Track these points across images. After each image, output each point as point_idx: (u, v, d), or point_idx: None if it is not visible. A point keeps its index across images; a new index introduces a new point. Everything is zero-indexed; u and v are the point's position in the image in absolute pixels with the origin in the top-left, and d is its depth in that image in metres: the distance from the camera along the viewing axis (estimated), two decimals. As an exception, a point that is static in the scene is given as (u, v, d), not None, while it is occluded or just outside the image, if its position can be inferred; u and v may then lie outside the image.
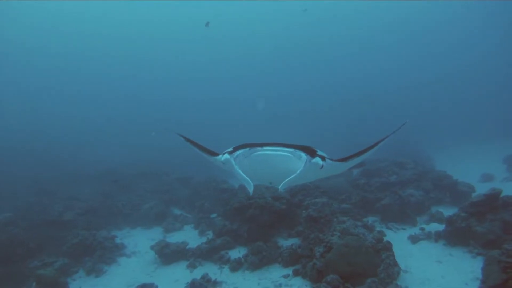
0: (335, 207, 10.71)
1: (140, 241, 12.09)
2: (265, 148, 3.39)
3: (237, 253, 9.89)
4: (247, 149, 3.44)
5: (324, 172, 4.06)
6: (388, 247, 7.96)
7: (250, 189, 3.59)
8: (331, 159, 3.91)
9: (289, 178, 3.39)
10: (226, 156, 3.60)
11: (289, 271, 8.49)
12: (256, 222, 10.50)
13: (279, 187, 3.50)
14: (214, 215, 13.30)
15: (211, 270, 9.01)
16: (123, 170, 20.90)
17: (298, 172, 3.37)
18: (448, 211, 10.78)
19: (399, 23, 52.72)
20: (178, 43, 57.11)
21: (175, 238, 11.80)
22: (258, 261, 8.95)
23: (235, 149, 3.59)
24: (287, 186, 3.75)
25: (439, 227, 10.09)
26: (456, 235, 9.00)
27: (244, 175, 3.45)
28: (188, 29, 50.88)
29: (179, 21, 51.36)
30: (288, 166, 3.41)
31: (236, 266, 9.05)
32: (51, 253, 10.34)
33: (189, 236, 11.93)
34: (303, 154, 3.40)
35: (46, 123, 42.26)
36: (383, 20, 52.42)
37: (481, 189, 10.68)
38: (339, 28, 54.14)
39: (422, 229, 10.25)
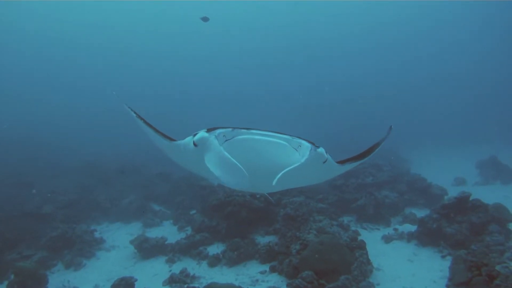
0: (312, 206, 10.95)
1: (119, 235, 12.13)
2: (253, 131, 2.52)
3: (215, 249, 10.01)
4: (229, 129, 2.53)
5: (323, 173, 3.29)
6: (362, 246, 8.27)
7: (244, 181, 2.63)
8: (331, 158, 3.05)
9: (288, 169, 2.53)
10: (203, 134, 2.61)
11: (266, 267, 8.68)
12: (235, 219, 10.66)
13: (273, 181, 2.56)
14: (193, 212, 13.40)
15: (190, 265, 9.14)
16: (104, 163, 20.73)
17: (302, 161, 2.56)
18: (421, 213, 11.17)
19: (391, 24, 53.18)
20: (182, 37, 56.43)
21: (154, 233, 11.85)
22: (236, 257, 9.12)
23: (211, 130, 2.62)
24: (277, 189, 3.13)
25: (411, 227, 10.41)
26: (427, 236, 9.36)
27: (234, 160, 2.48)
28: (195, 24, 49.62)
29: (185, 16, 50.26)
30: (281, 158, 2.57)
31: (214, 261, 9.20)
32: (30, 246, 10.34)
33: (168, 232, 12.00)
34: (304, 142, 2.60)
35: (28, 111, 41.34)
36: (377, 21, 52.57)
37: (454, 192, 11.08)
38: (332, 27, 54.09)
39: (396, 229, 10.60)
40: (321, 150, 2.65)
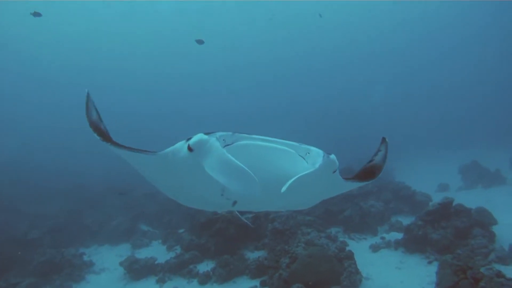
0: (299, 219, 11.04)
1: (108, 257, 12.05)
2: (255, 137, 2.29)
3: (205, 266, 10.03)
4: (230, 133, 2.28)
5: (329, 186, 2.89)
6: (350, 256, 8.36)
7: (254, 187, 2.20)
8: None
9: (300, 175, 2.20)
10: (201, 136, 2.22)
11: (256, 282, 8.71)
12: (223, 236, 10.69)
13: (283, 188, 2.18)
14: (181, 230, 13.37)
15: (180, 284, 9.16)
16: (91, 186, 20.59)
17: (316, 166, 2.29)
18: (407, 220, 11.32)
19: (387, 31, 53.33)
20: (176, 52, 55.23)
21: (143, 254, 11.79)
22: (226, 273, 9.15)
23: (208, 134, 2.29)
24: (275, 206, 2.94)
25: (398, 235, 10.53)
26: (414, 243, 9.51)
27: (240, 164, 2.13)
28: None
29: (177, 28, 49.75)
30: (287, 167, 2.31)
31: (204, 279, 9.21)
32: (17, 273, 10.21)
33: (157, 252, 11.96)
34: (313, 148, 2.38)
35: (12, 132, 40.72)
36: (371, 25, 52.12)
37: (438, 198, 11.26)
38: (326, 35, 53.99)
39: (383, 238, 10.74)
40: (333, 157, 2.36)
